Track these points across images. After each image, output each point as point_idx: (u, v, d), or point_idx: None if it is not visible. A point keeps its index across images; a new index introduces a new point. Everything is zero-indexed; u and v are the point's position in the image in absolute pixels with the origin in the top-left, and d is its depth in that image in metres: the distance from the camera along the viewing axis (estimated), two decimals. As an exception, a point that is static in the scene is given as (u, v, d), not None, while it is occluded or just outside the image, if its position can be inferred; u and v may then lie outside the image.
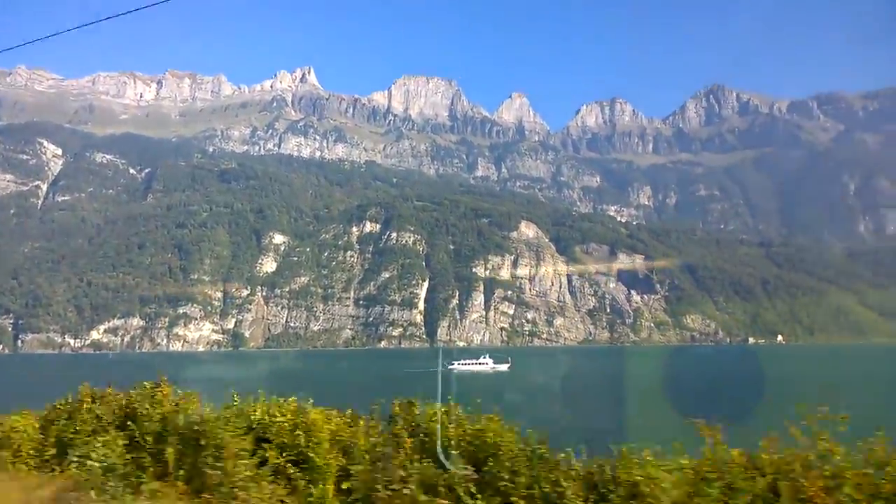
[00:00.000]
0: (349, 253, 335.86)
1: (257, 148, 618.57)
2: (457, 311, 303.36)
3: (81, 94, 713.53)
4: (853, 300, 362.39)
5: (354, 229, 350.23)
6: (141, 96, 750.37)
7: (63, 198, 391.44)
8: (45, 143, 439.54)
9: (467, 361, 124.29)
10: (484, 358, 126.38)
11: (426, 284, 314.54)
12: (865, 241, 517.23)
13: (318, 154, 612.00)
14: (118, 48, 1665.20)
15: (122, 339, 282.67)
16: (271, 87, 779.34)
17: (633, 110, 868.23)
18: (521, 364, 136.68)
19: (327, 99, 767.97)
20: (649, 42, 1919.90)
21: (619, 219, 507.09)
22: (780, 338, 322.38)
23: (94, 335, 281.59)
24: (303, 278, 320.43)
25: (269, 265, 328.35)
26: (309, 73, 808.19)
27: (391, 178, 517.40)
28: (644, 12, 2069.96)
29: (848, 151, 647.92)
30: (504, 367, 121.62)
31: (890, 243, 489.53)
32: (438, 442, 7.01)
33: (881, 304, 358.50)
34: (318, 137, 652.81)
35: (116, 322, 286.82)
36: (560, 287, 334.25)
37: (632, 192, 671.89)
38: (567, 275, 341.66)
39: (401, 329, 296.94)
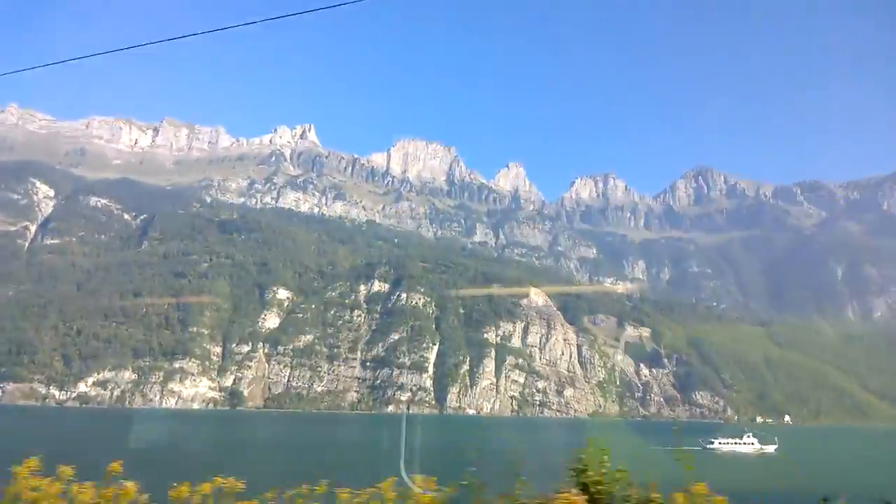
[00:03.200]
0: (356, 312, 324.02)
1: (254, 201, 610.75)
2: (467, 377, 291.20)
3: (74, 137, 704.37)
4: (854, 383, 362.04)
5: (362, 288, 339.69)
6: (136, 142, 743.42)
7: (52, 240, 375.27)
8: (38, 184, 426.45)
9: (728, 440, 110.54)
10: (747, 437, 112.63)
11: (436, 348, 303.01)
12: (854, 326, 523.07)
13: (316, 210, 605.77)
14: (115, 94, 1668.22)
15: (112, 393, 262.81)
16: (270, 141, 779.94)
17: (626, 186, 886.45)
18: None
19: (326, 156, 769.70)
20: (641, 121, 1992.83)
21: (618, 291, 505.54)
22: (787, 418, 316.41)
23: (82, 387, 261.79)
24: (307, 336, 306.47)
25: (272, 321, 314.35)
26: (309, 129, 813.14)
27: (393, 237, 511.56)
28: (637, 91, 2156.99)
29: (833, 238, 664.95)
30: (771, 450, 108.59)
31: (878, 328, 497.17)
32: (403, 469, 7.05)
33: (882, 389, 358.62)
34: (317, 194, 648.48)
35: (107, 374, 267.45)
36: (570, 357, 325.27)
37: (626, 265, 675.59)
38: (577, 345, 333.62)
39: (409, 394, 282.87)
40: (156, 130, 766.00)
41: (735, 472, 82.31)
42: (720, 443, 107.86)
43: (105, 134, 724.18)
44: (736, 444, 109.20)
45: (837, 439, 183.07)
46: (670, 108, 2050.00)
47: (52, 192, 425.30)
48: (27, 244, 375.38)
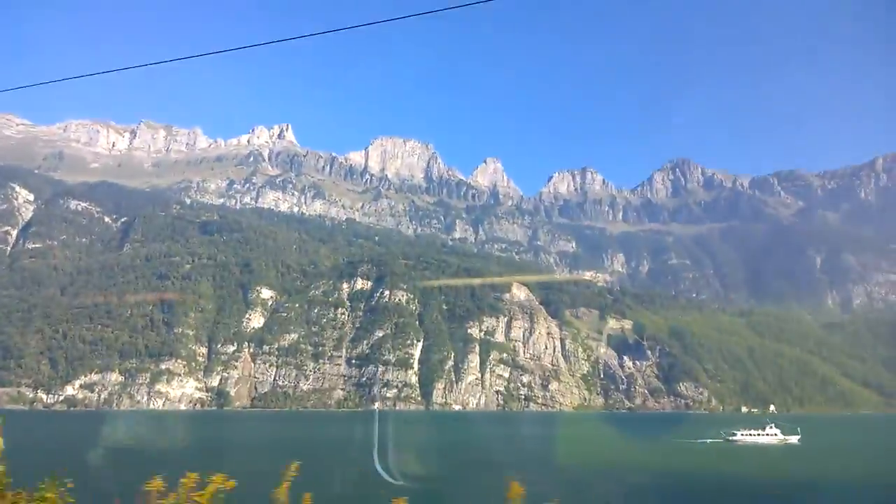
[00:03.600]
0: (340, 310, 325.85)
1: (233, 201, 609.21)
2: (452, 373, 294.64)
3: (51, 141, 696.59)
4: (836, 371, 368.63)
5: (345, 286, 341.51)
6: (113, 145, 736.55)
7: (34, 245, 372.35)
8: (17, 189, 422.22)
9: (751, 432, 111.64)
10: (770, 427, 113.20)
11: (420, 345, 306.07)
12: (834, 314, 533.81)
13: (296, 209, 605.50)
14: (91, 96, 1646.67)
15: (100, 396, 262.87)
16: (248, 141, 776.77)
17: (604, 180, 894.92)
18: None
19: (304, 156, 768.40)
20: (618, 115, 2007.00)
21: (598, 284, 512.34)
22: (772, 407, 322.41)
23: (69, 390, 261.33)
24: (292, 335, 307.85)
25: (256, 320, 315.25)
26: (287, 129, 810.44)
27: (373, 235, 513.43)
28: (612, 86, 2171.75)
29: (811, 227, 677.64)
30: (794, 440, 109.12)
31: (858, 316, 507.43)
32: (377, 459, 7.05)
33: (864, 376, 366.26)
34: (296, 193, 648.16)
35: (93, 377, 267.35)
36: (554, 351, 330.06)
37: (606, 259, 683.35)
38: (560, 338, 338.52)
39: (395, 390, 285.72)
40: (133, 133, 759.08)
41: (777, 463, 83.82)
42: (742, 434, 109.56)
43: (82, 137, 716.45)
44: (759, 435, 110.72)
45: (845, 428, 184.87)
46: (646, 101, 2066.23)
47: (31, 197, 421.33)
48: (9, 249, 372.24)
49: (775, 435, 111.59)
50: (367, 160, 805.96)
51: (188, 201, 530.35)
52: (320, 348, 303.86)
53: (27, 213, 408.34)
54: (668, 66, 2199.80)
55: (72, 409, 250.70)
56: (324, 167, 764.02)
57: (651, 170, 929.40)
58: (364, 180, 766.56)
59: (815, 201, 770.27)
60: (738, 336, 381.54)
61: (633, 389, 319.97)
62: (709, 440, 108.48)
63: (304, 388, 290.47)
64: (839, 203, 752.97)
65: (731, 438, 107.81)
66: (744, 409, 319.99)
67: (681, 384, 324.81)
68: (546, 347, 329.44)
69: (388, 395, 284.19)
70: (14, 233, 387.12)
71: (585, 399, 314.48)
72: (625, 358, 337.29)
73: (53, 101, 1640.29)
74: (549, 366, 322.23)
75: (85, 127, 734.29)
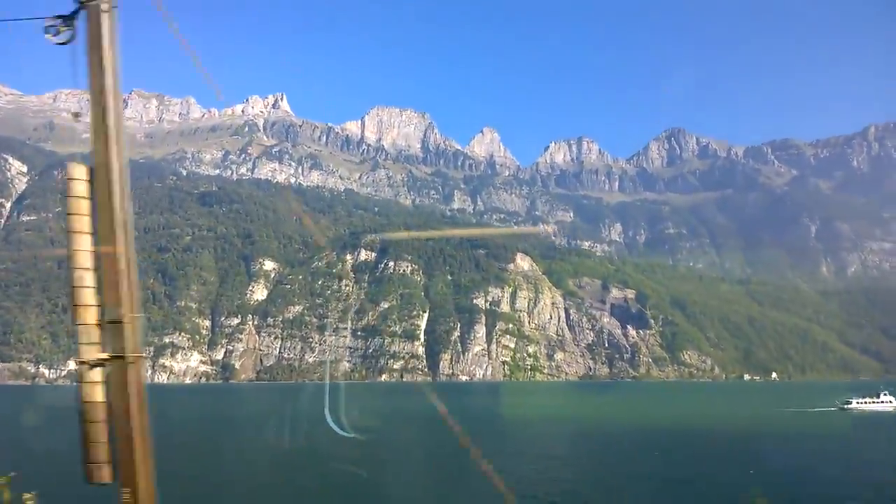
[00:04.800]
0: (344, 282, 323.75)
1: (230, 172, 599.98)
2: (459, 344, 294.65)
3: (41, 111, 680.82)
4: (835, 338, 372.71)
5: (348, 257, 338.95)
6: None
7: (29, 217, 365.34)
8: (10, 160, 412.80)
9: (865, 400, 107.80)
10: (884, 395, 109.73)
11: (426, 315, 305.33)
12: (829, 282, 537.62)
13: (293, 180, 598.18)
14: (81, 65, 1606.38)
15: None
16: (242, 111, 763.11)
17: (599, 149, 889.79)
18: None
19: (300, 126, 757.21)
20: (613, 84, 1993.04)
21: (597, 254, 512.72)
22: (773, 375, 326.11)
23: (72, 365, 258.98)
24: (296, 307, 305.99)
25: (259, 293, 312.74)
26: (281, 99, 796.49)
27: (372, 206, 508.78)
28: (610, 53, 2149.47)
29: (805, 196, 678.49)
30: None
31: (853, 284, 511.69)
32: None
33: (863, 343, 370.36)
34: (293, 164, 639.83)
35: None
36: (559, 321, 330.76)
37: (603, 229, 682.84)
38: (564, 308, 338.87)
39: (402, 362, 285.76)
40: (125, 103, 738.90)
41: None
42: (857, 402, 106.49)
43: (73, 107, 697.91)
44: (873, 402, 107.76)
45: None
46: (641, 70, 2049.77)
47: (24, 168, 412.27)
48: (3, 222, 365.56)
49: (890, 402, 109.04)
50: (363, 130, 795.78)
51: (184, 172, 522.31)
52: (325, 320, 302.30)
53: (20, 185, 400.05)
54: (662, 36, 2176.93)
55: (75, 383, 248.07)
56: (320, 137, 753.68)
57: (646, 139, 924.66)
58: (361, 150, 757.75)
59: (808, 170, 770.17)
60: (738, 304, 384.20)
61: (637, 358, 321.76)
62: (822, 408, 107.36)
63: (310, 360, 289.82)
64: (832, 171, 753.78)
65: (846, 407, 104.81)
66: (746, 377, 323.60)
67: (684, 353, 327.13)
68: (551, 317, 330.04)
69: (394, 366, 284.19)
70: (8, 205, 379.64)
71: (590, 368, 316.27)
72: (628, 327, 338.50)
73: (42, 69, 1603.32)
74: (555, 336, 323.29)
75: (75, 96, 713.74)
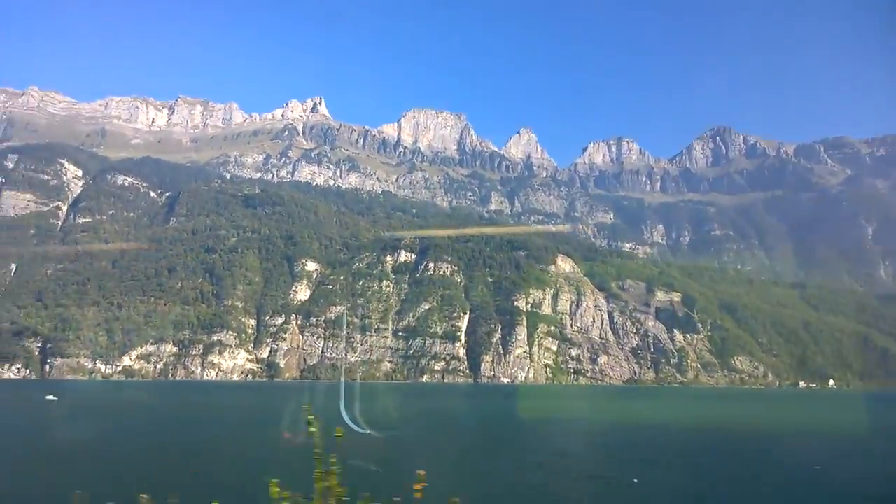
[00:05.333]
0: (385, 282, 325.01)
1: (270, 175, 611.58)
2: (500, 346, 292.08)
3: (94, 118, 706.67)
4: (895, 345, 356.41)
5: (388, 258, 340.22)
6: (153, 121, 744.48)
7: (84, 219, 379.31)
8: (66, 164, 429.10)
9: None
10: None
11: (467, 317, 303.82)
12: (888, 285, 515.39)
13: (332, 183, 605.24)
14: (130, 72, 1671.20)
15: (155, 367, 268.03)
16: (282, 115, 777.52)
17: (640, 149, 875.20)
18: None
19: (338, 129, 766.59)
20: (654, 83, 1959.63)
21: (640, 256, 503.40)
22: (831, 382, 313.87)
23: (126, 361, 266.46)
24: (338, 307, 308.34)
25: (302, 293, 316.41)
26: (320, 103, 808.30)
27: (410, 208, 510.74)
28: (649, 51, 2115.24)
29: (861, 196, 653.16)
30: None
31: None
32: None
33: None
34: (331, 166, 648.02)
35: (149, 348, 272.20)
36: (602, 324, 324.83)
37: (645, 230, 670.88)
38: (608, 311, 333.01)
39: (443, 363, 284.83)
40: (171, 109, 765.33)
41: None
42: None
43: (123, 114, 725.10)
44: None
45: None
46: (681, 69, 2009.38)
47: (79, 172, 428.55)
48: (60, 224, 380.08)
49: None
50: (399, 132, 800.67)
51: (227, 175, 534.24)
52: (367, 321, 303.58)
53: (76, 188, 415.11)
54: (702, 32, 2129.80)
55: (129, 378, 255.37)
56: (357, 140, 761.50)
57: (690, 138, 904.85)
58: (397, 153, 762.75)
59: (864, 169, 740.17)
60: (792, 309, 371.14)
61: (684, 364, 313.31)
62: None
63: (352, 360, 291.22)
64: (890, 170, 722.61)
65: None
66: (801, 385, 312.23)
67: (735, 358, 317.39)
68: (594, 320, 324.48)
69: (435, 367, 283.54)
70: (64, 208, 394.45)
71: (635, 373, 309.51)
72: (675, 331, 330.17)
73: (94, 77, 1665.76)
74: (598, 339, 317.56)
75: (125, 103, 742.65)
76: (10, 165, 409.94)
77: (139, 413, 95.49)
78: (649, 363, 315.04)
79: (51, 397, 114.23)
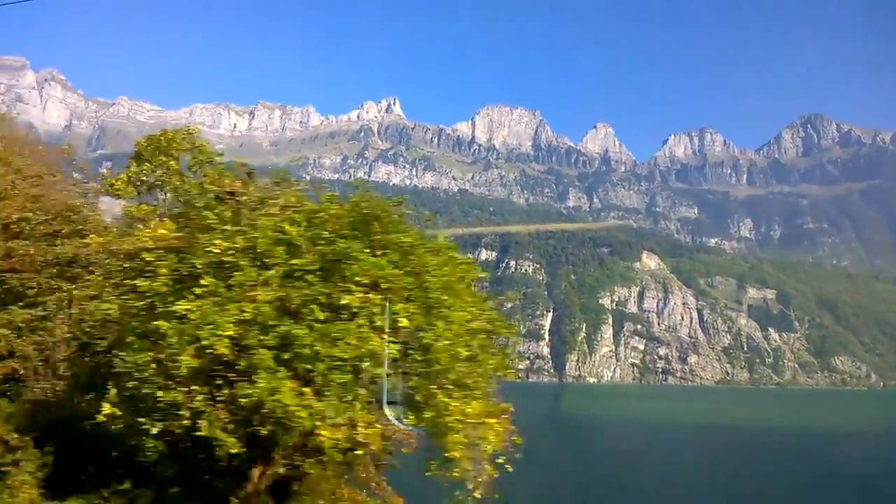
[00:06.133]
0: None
1: (348, 176, 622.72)
2: (585, 345, 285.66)
3: (179, 125, 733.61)
4: None
5: (469, 256, 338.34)
6: (234, 126, 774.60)
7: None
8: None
9: None
10: None
11: (550, 315, 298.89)
12: None
13: (408, 182, 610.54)
14: (212, 80, 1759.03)
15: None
16: (358, 116, 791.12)
17: (724, 140, 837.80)
18: None
19: (412, 128, 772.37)
20: (738, 70, 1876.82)
21: (727, 251, 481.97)
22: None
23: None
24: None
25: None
26: (394, 103, 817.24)
27: (487, 206, 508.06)
28: (729, 37, 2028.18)
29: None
30: None
31: None
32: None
33: None
34: (407, 166, 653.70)
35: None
36: (691, 322, 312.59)
37: (732, 225, 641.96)
38: (697, 309, 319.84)
39: (527, 362, 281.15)
40: (251, 114, 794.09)
41: None
42: None
43: (207, 120, 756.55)
44: None
45: None
46: (765, 55, 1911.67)
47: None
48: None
49: None
50: (473, 130, 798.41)
51: (307, 177, 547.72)
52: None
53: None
54: (787, 14, 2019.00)
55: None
56: (432, 139, 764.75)
57: (778, 127, 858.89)
58: (472, 150, 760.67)
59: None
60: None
61: (780, 364, 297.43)
62: None
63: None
64: None
65: None
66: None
67: (835, 358, 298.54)
68: (682, 318, 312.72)
69: (520, 366, 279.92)
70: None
71: (728, 373, 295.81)
72: (770, 330, 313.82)
73: (179, 86, 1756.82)
74: (687, 338, 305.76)
75: (208, 110, 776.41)
76: (105, 172, 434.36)
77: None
78: (743, 363, 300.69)
79: None
